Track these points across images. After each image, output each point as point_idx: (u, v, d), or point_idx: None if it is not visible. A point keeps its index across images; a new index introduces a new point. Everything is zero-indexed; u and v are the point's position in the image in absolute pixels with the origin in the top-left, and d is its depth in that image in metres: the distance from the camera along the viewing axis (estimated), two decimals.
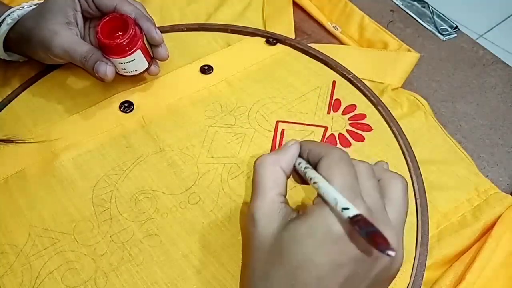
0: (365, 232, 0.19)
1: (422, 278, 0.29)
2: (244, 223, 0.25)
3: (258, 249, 0.23)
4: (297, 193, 0.32)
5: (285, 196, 0.25)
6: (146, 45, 0.35)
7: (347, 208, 0.20)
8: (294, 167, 0.25)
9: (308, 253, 0.21)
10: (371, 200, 0.22)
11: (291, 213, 0.23)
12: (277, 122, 0.36)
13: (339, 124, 0.36)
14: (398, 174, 0.25)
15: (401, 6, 0.50)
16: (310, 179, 0.23)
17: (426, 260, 0.29)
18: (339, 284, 0.21)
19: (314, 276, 0.21)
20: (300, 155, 0.26)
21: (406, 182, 0.24)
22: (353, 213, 0.20)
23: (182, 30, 0.43)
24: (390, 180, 0.24)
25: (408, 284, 0.28)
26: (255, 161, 0.25)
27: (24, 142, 0.34)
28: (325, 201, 0.21)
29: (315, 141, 0.27)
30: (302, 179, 0.26)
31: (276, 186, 0.24)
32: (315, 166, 0.24)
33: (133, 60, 0.34)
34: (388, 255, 0.19)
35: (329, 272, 0.21)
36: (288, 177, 0.25)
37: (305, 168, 0.24)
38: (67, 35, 0.34)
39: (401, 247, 0.23)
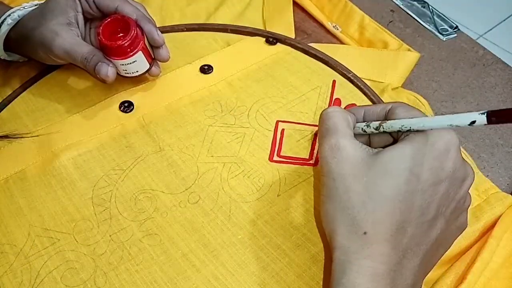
0: (507, 115, 0.20)
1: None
2: (322, 158, 0.24)
3: (350, 174, 0.23)
4: (297, 192, 0.32)
5: None
6: (147, 47, 0.35)
7: (474, 120, 0.21)
8: (355, 133, 0.26)
9: (415, 168, 0.22)
10: None
11: (372, 149, 0.24)
12: (277, 121, 0.36)
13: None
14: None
15: (401, 6, 0.50)
16: (399, 129, 0.24)
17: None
18: (437, 200, 0.23)
19: (419, 190, 0.22)
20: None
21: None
22: (484, 113, 0.21)
23: (182, 30, 0.43)
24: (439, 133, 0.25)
25: None
26: (323, 111, 0.26)
27: (23, 137, 0.34)
28: (421, 134, 0.23)
29: (366, 105, 0.29)
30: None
31: (351, 129, 0.25)
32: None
33: (134, 61, 0.34)
34: None
35: (430, 187, 0.22)
36: None
37: (380, 124, 0.25)
38: (68, 36, 0.34)
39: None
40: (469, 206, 0.26)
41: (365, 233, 0.22)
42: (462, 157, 0.24)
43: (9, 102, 0.38)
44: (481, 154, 0.38)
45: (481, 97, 0.42)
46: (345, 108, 0.37)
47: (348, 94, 0.38)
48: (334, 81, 0.39)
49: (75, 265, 0.29)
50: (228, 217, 0.31)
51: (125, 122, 0.36)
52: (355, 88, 0.38)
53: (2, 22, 0.36)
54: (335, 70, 0.40)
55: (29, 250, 0.29)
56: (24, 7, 0.37)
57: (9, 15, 0.37)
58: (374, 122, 0.26)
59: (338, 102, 0.37)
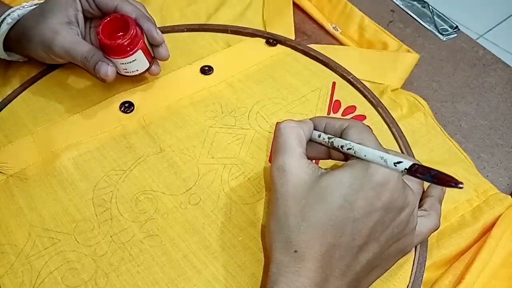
0: (429, 177, 0.21)
1: (422, 278, 0.29)
2: (270, 177, 0.26)
3: (291, 196, 0.24)
4: None
5: None
6: (147, 45, 0.35)
7: (399, 162, 0.22)
8: (313, 140, 0.27)
9: (349, 197, 0.23)
10: None
11: (318, 168, 0.25)
12: (277, 123, 0.36)
13: None
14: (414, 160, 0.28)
15: (401, 6, 0.50)
16: (341, 146, 0.25)
17: (425, 260, 0.29)
18: (370, 227, 0.24)
19: (351, 217, 0.23)
20: (315, 129, 0.28)
21: None
22: (409, 164, 0.22)
23: (183, 31, 0.43)
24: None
25: (408, 285, 0.29)
26: (277, 124, 0.27)
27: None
28: (368, 161, 0.24)
29: (329, 116, 0.30)
30: (318, 151, 0.28)
31: (302, 146, 0.26)
32: (337, 137, 0.26)
33: (134, 60, 0.34)
34: (460, 187, 0.21)
35: (364, 215, 0.23)
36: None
37: (330, 138, 0.26)
38: (68, 35, 0.34)
39: (416, 219, 0.26)
40: (413, 229, 0.26)
41: (295, 251, 0.23)
42: (403, 186, 0.24)
43: (9, 101, 0.38)
44: (481, 154, 0.38)
45: (481, 97, 0.42)
46: (345, 109, 0.37)
47: (348, 96, 0.38)
48: (334, 83, 0.39)
49: (76, 266, 0.29)
50: (229, 219, 0.31)
51: (126, 122, 0.36)
52: (355, 90, 0.38)
53: (2, 21, 0.36)
54: (335, 72, 0.40)
55: (29, 250, 0.29)
56: (24, 7, 0.37)
57: (9, 14, 0.37)
58: (325, 135, 0.27)
59: (338, 104, 0.38)
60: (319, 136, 0.27)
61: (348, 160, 0.25)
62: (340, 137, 0.26)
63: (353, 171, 0.24)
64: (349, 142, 0.25)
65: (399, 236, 0.25)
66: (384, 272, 0.27)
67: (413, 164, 0.22)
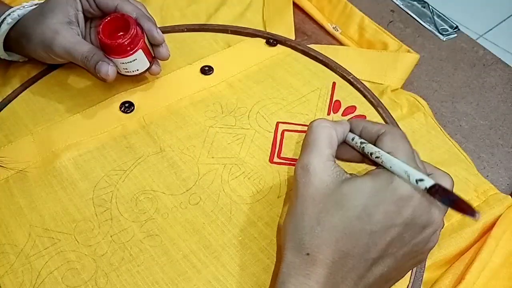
0: (447, 200, 0.21)
1: (422, 278, 0.29)
2: (295, 174, 0.25)
3: (311, 198, 0.24)
4: None
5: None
6: (147, 45, 0.35)
7: (421, 180, 0.22)
8: (347, 142, 0.27)
9: (369, 208, 0.22)
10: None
11: (344, 173, 0.25)
12: (277, 123, 0.36)
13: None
14: (447, 173, 0.26)
15: (401, 6, 0.50)
16: (371, 153, 0.24)
17: (425, 260, 0.29)
18: (386, 242, 0.23)
19: (368, 230, 0.23)
20: (351, 131, 0.27)
21: (453, 182, 0.26)
22: (430, 184, 0.21)
23: (183, 31, 0.43)
24: (441, 175, 0.26)
25: (408, 285, 0.29)
26: (311, 122, 0.26)
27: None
28: (393, 172, 0.23)
29: (369, 120, 0.29)
30: (348, 155, 0.27)
31: (331, 147, 0.25)
32: (372, 142, 0.25)
33: (134, 60, 0.34)
34: (476, 218, 0.20)
35: (381, 229, 0.23)
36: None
37: (362, 143, 0.26)
38: (68, 35, 0.34)
39: (438, 237, 0.25)
40: (432, 247, 0.25)
41: (308, 254, 0.23)
42: (428, 203, 0.23)
43: (9, 101, 0.38)
44: (481, 154, 0.38)
45: (481, 97, 0.42)
46: (345, 109, 0.37)
47: (348, 96, 0.38)
48: (334, 83, 0.39)
49: (76, 266, 0.29)
50: (229, 219, 0.31)
51: (126, 122, 0.36)
52: (355, 91, 0.38)
53: (2, 21, 0.36)
54: (335, 72, 0.40)
55: (30, 250, 0.29)
56: (24, 6, 0.37)
57: (9, 14, 0.37)
58: (358, 139, 0.26)
59: (338, 104, 0.38)
60: (353, 139, 0.26)
61: (376, 168, 0.24)
62: (375, 143, 0.25)
63: (377, 182, 0.23)
64: (378, 150, 0.24)
65: (417, 253, 0.25)
66: (396, 283, 0.26)
67: (434, 185, 0.21)
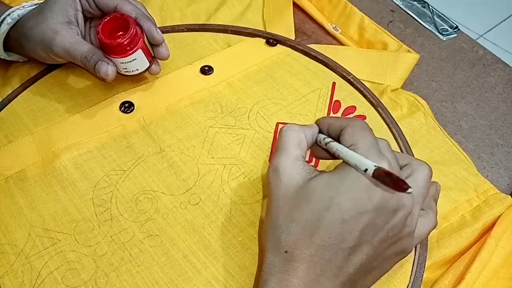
0: (387, 181, 0.22)
1: (422, 278, 0.29)
2: (267, 177, 0.26)
3: (282, 197, 0.25)
4: None
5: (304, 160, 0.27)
6: (147, 45, 0.35)
7: (366, 169, 0.23)
8: (317, 143, 0.28)
9: (336, 197, 0.23)
10: (394, 164, 0.25)
11: (314, 170, 0.26)
12: (277, 123, 0.36)
13: None
14: (425, 162, 0.27)
15: (401, 6, 0.50)
16: (335, 150, 0.26)
17: (425, 260, 0.29)
18: (360, 229, 0.23)
19: (339, 219, 0.23)
20: (321, 132, 0.28)
21: (432, 171, 0.27)
22: (373, 169, 0.23)
23: (183, 31, 0.43)
24: (418, 165, 0.27)
25: (408, 285, 0.29)
26: (281, 128, 0.28)
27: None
28: (350, 165, 0.24)
29: (335, 117, 0.30)
30: (323, 154, 0.28)
31: (300, 148, 0.26)
32: (337, 138, 0.26)
33: (134, 59, 0.34)
34: (408, 192, 0.22)
35: (352, 217, 0.23)
36: (307, 148, 0.28)
37: (326, 140, 0.27)
38: (68, 35, 0.34)
39: (415, 221, 0.26)
40: (411, 232, 0.26)
41: (286, 251, 0.24)
42: None
43: (9, 101, 0.38)
44: (481, 154, 0.38)
45: (481, 97, 0.42)
46: (345, 109, 0.37)
47: (348, 96, 0.38)
48: (334, 83, 0.39)
49: (76, 266, 0.29)
50: (229, 219, 0.31)
51: (126, 122, 0.36)
52: (355, 91, 0.38)
53: (2, 21, 0.36)
54: (335, 72, 0.40)
55: (29, 251, 0.29)
56: (23, 7, 0.37)
57: (9, 14, 0.37)
58: (322, 137, 0.27)
59: (338, 104, 0.38)
60: (323, 139, 0.27)
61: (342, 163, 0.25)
62: (339, 138, 0.26)
63: (342, 173, 0.24)
64: (337, 146, 0.25)
65: (395, 239, 0.25)
66: (383, 275, 0.27)
67: (377, 168, 0.22)
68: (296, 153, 0.26)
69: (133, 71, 0.35)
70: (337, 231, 0.23)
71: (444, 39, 0.47)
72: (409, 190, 0.22)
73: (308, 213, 0.24)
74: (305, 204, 0.24)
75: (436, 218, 0.28)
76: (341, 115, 0.37)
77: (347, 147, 0.25)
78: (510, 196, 0.34)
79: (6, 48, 0.38)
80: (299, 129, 0.27)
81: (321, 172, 0.25)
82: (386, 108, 0.37)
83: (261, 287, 0.24)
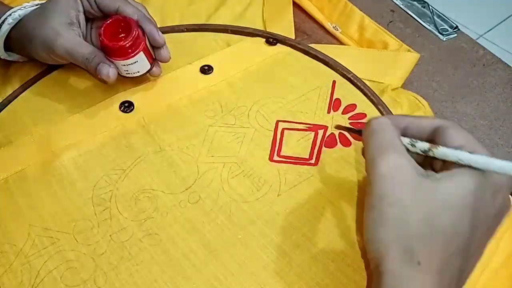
0: None
1: None
2: (377, 179, 0.23)
3: (411, 200, 0.22)
4: (297, 192, 0.32)
5: None
6: (149, 47, 0.35)
7: None
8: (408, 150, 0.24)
9: (474, 205, 0.22)
10: None
11: (421, 168, 0.24)
12: (277, 121, 0.36)
13: (339, 123, 0.36)
14: None
15: (401, 6, 0.50)
16: (454, 160, 0.23)
17: None
18: (483, 234, 0.23)
19: (473, 226, 0.22)
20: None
21: None
22: None
23: (182, 31, 0.44)
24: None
25: None
26: (371, 120, 0.25)
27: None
28: (480, 169, 0.22)
29: (410, 116, 0.27)
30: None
31: (403, 147, 0.24)
32: (423, 139, 0.24)
33: (135, 62, 0.34)
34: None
35: (482, 222, 0.23)
36: None
37: (430, 148, 0.24)
38: (69, 36, 0.34)
39: None
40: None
41: (419, 263, 0.22)
42: (508, 190, 0.24)
43: (9, 102, 0.38)
44: None
45: (481, 97, 0.42)
46: (345, 107, 0.37)
47: (348, 94, 0.38)
48: (334, 82, 0.39)
49: (75, 265, 0.29)
50: (228, 217, 0.31)
51: (125, 122, 0.36)
52: (355, 89, 0.38)
53: (3, 21, 0.36)
54: (335, 71, 0.40)
55: (29, 250, 0.29)
56: (25, 7, 0.37)
57: (10, 14, 0.37)
58: (422, 143, 0.24)
59: (338, 102, 0.38)
60: (411, 144, 0.24)
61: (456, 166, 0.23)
62: (430, 139, 0.24)
63: (475, 178, 0.22)
64: (460, 152, 0.23)
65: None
66: None
67: None
68: (404, 149, 0.23)
69: (134, 73, 0.35)
70: (467, 236, 0.22)
71: (444, 39, 0.47)
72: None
73: (446, 221, 0.22)
74: (443, 211, 0.22)
75: None
76: (341, 113, 0.37)
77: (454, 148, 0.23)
78: (510, 196, 0.33)
79: (7, 48, 0.38)
80: (392, 123, 0.25)
81: (428, 171, 0.24)
82: (386, 106, 0.37)
83: None
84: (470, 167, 0.23)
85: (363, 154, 0.26)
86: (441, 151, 0.23)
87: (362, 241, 0.29)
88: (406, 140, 0.25)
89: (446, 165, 0.24)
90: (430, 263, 0.22)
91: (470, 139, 0.24)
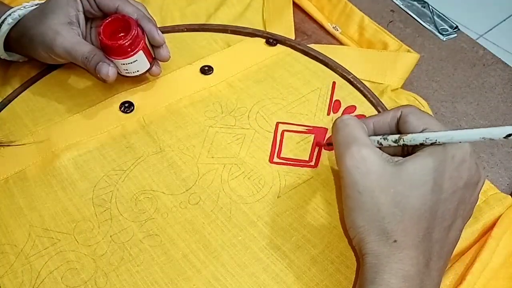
0: None
1: None
2: (345, 170, 0.25)
3: (377, 186, 0.24)
4: (297, 193, 0.32)
5: None
6: (148, 46, 0.35)
7: (505, 132, 0.21)
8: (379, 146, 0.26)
9: (437, 180, 0.24)
10: None
11: (388, 155, 0.25)
12: (277, 123, 0.36)
13: None
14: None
15: (401, 6, 0.50)
16: (422, 141, 0.24)
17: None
18: (455, 206, 0.24)
19: (442, 199, 0.24)
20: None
21: None
22: (508, 132, 0.21)
23: (182, 31, 0.43)
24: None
25: None
26: (337, 119, 0.27)
27: (24, 144, 0.34)
28: (444, 144, 0.24)
29: (372, 116, 0.29)
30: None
31: (368, 138, 0.26)
32: (393, 131, 0.27)
33: (135, 61, 0.34)
34: None
35: (450, 195, 0.24)
36: None
37: (400, 137, 0.25)
38: (69, 35, 0.34)
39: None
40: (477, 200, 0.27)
41: (395, 241, 0.23)
42: (475, 161, 0.25)
43: (9, 101, 0.38)
44: (481, 154, 0.38)
45: (481, 97, 0.42)
46: (345, 109, 0.37)
47: (348, 96, 0.38)
48: (334, 83, 0.39)
49: (75, 266, 0.29)
50: (229, 218, 0.31)
51: (126, 122, 0.36)
52: (355, 90, 0.38)
53: (3, 21, 0.36)
54: (335, 72, 0.40)
55: (29, 251, 0.29)
56: (24, 7, 0.37)
57: (10, 14, 0.37)
58: (392, 136, 0.26)
59: (338, 104, 0.38)
60: (383, 138, 0.26)
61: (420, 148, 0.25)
62: (397, 129, 0.26)
63: (435, 155, 0.24)
64: (426, 133, 0.24)
65: (473, 210, 0.26)
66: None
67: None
68: (369, 142, 0.25)
69: (133, 72, 0.35)
70: (440, 210, 0.24)
71: (444, 39, 0.47)
72: None
73: (413, 198, 0.23)
74: (409, 190, 0.24)
75: None
76: (341, 114, 0.37)
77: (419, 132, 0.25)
78: (510, 196, 0.33)
79: (7, 48, 0.38)
80: (357, 119, 0.27)
81: (395, 157, 0.25)
82: (386, 107, 0.37)
83: (373, 278, 0.23)
84: (434, 144, 0.24)
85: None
86: (409, 137, 0.25)
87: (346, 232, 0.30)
88: (377, 137, 0.26)
89: (415, 150, 0.25)
90: (405, 239, 0.23)
91: (430, 120, 0.25)
